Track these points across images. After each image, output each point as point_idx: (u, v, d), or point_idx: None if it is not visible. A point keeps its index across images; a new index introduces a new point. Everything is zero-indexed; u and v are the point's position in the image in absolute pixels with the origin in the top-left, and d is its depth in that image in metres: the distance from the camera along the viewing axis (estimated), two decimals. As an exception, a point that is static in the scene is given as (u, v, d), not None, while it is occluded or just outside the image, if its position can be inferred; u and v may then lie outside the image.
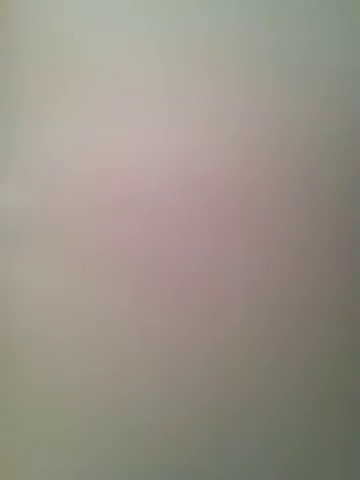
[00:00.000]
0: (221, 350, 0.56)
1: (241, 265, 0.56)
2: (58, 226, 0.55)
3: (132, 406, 0.55)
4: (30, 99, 0.56)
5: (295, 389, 0.56)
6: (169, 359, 0.55)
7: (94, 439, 0.55)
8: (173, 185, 0.56)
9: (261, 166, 0.56)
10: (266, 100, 0.56)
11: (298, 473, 0.56)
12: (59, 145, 0.56)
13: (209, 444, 0.56)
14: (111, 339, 0.55)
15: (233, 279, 0.56)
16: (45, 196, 0.55)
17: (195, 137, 0.56)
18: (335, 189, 0.56)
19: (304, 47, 0.56)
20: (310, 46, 0.56)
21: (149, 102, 0.56)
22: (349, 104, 0.57)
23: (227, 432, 0.56)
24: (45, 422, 0.55)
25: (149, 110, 0.56)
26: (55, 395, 0.55)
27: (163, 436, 0.56)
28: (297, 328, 0.56)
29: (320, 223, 0.56)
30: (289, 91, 0.56)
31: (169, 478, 0.55)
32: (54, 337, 0.55)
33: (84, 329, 0.55)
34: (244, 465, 0.56)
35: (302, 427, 0.56)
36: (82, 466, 0.55)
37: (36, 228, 0.55)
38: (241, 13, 0.56)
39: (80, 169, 0.56)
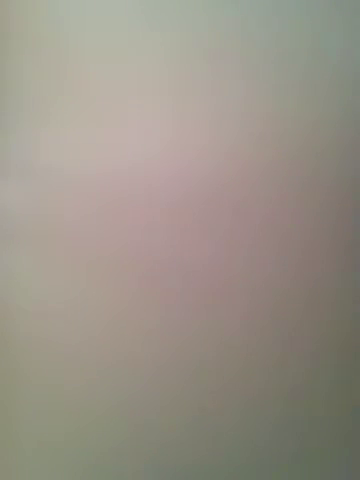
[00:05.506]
0: (223, 351, 0.56)
1: (242, 266, 0.56)
2: (58, 227, 0.55)
3: (133, 407, 0.55)
4: (30, 100, 0.56)
5: (296, 389, 0.56)
6: (170, 360, 0.55)
7: (95, 440, 0.55)
8: (173, 186, 0.56)
9: (262, 167, 0.56)
10: (267, 101, 0.56)
11: (299, 473, 0.56)
12: (59, 146, 0.56)
13: (211, 445, 0.56)
14: (112, 340, 0.55)
15: (234, 280, 0.56)
16: (45, 197, 0.55)
17: (196, 138, 0.56)
18: (336, 189, 0.57)
19: (305, 48, 0.57)
20: (311, 47, 0.57)
21: (149, 103, 0.56)
22: (350, 105, 0.57)
23: (228, 432, 0.56)
24: (45, 424, 0.55)
25: (149, 111, 0.56)
26: (55, 396, 0.55)
27: (165, 437, 0.55)
28: (298, 328, 0.56)
29: (321, 223, 0.56)
30: (290, 92, 0.56)
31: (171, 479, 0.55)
32: (54, 338, 0.55)
33: (84, 330, 0.55)
34: (245, 465, 0.56)
35: (303, 427, 0.56)
36: (84, 468, 0.55)
37: (36, 228, 0.55)
38: (242, 15, 0.56)
39: (80, 170, 0.56)
